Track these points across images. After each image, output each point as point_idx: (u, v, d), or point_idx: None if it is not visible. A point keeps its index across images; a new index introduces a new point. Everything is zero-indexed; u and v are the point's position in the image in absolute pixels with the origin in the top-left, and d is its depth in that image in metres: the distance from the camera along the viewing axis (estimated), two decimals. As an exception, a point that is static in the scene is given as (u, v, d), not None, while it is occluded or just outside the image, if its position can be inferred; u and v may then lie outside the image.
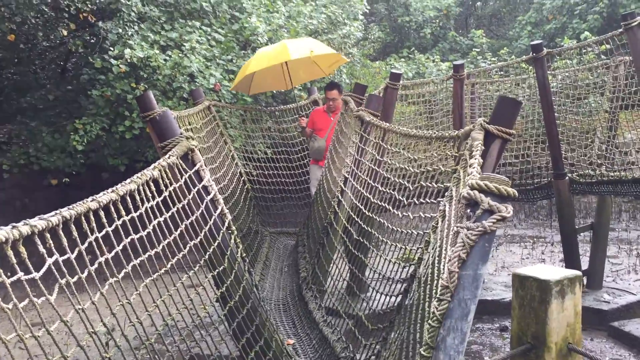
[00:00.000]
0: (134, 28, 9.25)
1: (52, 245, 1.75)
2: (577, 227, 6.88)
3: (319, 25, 11.19)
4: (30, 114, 10.85)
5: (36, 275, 1.65)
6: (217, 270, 2.78)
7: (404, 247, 3.39)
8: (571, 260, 6.71)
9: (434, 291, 2.18)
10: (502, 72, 11.74)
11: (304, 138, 8.01)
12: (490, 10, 24.12)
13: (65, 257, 1.81)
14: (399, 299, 3.05)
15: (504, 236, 10.67)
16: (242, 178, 7.14)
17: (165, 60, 8.72)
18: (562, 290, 2.20)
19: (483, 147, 2.76)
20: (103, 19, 9.72)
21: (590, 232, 7.24)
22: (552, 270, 2.33)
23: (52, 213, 1.81)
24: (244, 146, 8.38)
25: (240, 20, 10.19)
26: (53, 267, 1.74)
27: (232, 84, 8.83)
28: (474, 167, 2.41)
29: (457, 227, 2.00)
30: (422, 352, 1.86)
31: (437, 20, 20.22)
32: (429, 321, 1.88)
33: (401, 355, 2.45)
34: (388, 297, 3.30)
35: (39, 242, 1.70)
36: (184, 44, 9.08)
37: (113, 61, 8.67)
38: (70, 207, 1.90)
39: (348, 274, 4.49)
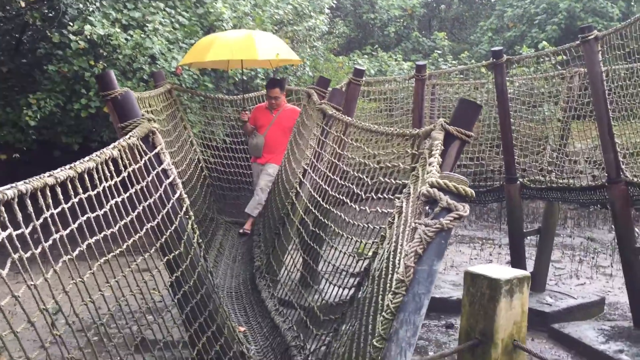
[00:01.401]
0: (95, 4, 9.01)
1: (7, 219, 1.72)
2: (524, 230, 7.09)
3: (284, 15, 11.15)
4: (-19, 86, 10.48)
5: (-11, 248, 1.61)
6: (172, 255, 2.76)
7: (359, 240, 3.43)
8: (517, 262, 6.91)
9: (389, 285, 2.22)
10: (462, 76, 11.96)
11: (244, 132, 7.76)
12: (453, 14, 24.49)
13: (19, 231, 1.77)
14: (351, 291, 3.09)
15: (454, 236, 10.88)
16: (200, 164, 7.08)
17: (126, 39, 8.54)
18: (511, 290, 2.28)
19: (442, 147, 2.82)
20: (64, -8, 9.45)
21: (537, 236, 7.48)
22: (502, 269, 2.41)
23: (8, 186, 1.77)
24: (202, 132, 8.29)
25: (205, 4, 10.06)
26: (6, 241, 1.71)
27: (192, 65, 8.72)
28: (433, 166, 2.46)
29: (415, 223, 2.05)
30: (375, 343, 1.90)
31: (402, 20, 20.42)
32: (383, 313, 1.92)
33: (352, 345, 2.49)
34: (341, 290, 3.34)
35: (-7, 215, 1.67)
36: (147, 24, 8.90)
37: (72, 37, 8.43)
38: (27, 181, 1.86)
39: (302, 265, 4.52)
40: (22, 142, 9.66)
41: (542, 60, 11.47)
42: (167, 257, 2.78)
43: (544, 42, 15.73)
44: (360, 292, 3.01)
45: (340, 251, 3.49)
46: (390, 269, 2.34)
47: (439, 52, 17.83)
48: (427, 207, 2.01)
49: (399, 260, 2.15)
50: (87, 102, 8.73)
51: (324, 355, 3.03)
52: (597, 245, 10.20)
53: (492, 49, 6.82)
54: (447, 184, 1.97)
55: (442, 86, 9.55)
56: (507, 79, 9.18)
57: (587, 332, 5.88)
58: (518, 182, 6.78)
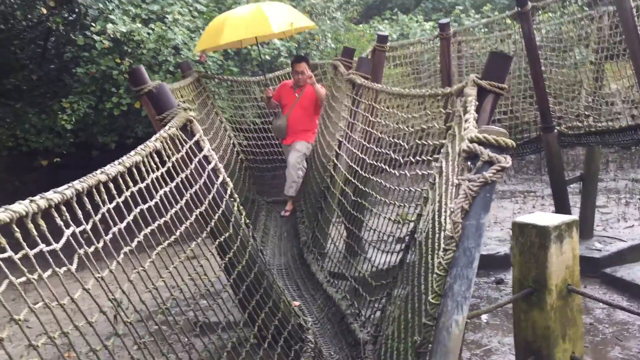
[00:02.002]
0: (114, 2, 9.12)
1: (68, 217, 1.80)
2: (566, 178, 7.00)
3: (301, -11, 11.09)
4: (14, 95, 10.73)
5: (57, 246, 1.70)
6: (222, 237, 2.84)
7: (401, 205, 3.45)
8: (562, 211, 6.81)
9: (437, 244, 2.26)
10: (486, 29, 11.73)
11: (268, 109, 7.71)
12: (471, -33, 23.90)
13: (81, 228, 1.86)
14: (399, 255, 3.13)
15: (495, 192, 10.81)
16: (235, 148, 7.16)
17: (148, 33, 8.64)
18: (560, 235, 2.29)
19: (476, 103, 2.81)
20: (82, -6, 9.58)
21: (579, 183, 7.38)
22: (549, 217, 2.41)
23: (65, 186, 1.85)
24: (233, 117, 8.37)
25: (221, -11, 10.08)
26: (71, 239, 1.80)
27: (207, 50, 8.78)
28: (469, 122, 2.47)
29: (458, 179, 2.07)
30: (431, 300, 1.94)
31: (419, -21, 20.07)
32: (436, 270, 1.96)
33: (407, 307, 2.54)
34: (389, 255, 3.39)
35: (55, 214, 1.75)
36: (166, 16, 8.99)
37: (96, 37, 8.57)
38: (82, 180, 1.94)
39: (347, 236, 4.57)
40: (60, 146, 9.91)
41: (568, 3, 11.20)
42: (217, 240, 2.86)
43: (568, -15, 15.25)
44: (409, 255, 3.05)
45: (384, 217, 3.52)
46: (437, 228, 2.37)
47: (460, 7, 17.47)
48: (468, 163, 2.03)
49: (445, 218, 2.18)
50: (118, 100, 8.89)
51: (380, 320, 3.09)
52: (642, 186, 10.02)
53: (514, -2, 6.67)
54: (487, 137, 1.98)
55: (468, 42, 9.40)
56: (534, 26, 9.03)
57: (640, 273, 5.83)
58: (555, 130, 6.68)
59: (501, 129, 2.01)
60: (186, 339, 2.93)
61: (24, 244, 1.59)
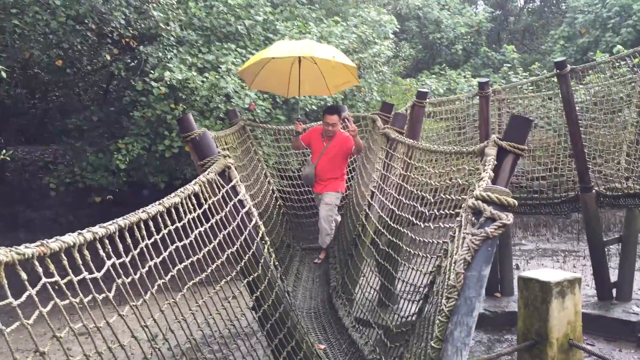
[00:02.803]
0: (172, 52, 9.70)
1: (110, 250, 2.05)
2: (605, 239, 6.96)
3: (349, 45, 11.50)
4: (75, 134, 11.40)
5: (98, 274, 1.94)
6: (251, 277, 3.05)
7: (426, 257, 3.59)
8: (599, 272, 6.80)
9: (446, 292, 2.40)
10: (534, 87, 11.86)
11: (289, 144, 7.79)
12: (522, 25, 24.16)
13: (121, 260, 2.09)
14: (419, 304, 3.27)
15: (535, 250, 10.71)
16: (275, 195, 7.41)
17: (202, 81, 9.12)
18: (562, 291, 2.39)
19: (496, 162, 2.97)
20: (144, 43, 10.22)
21: (619, 244, 7.32)
22: (553, 273, 2.52)
23: (110, 222, 2.10)
24: (276, 164, 8.67)
25: (273, 41, 10.57)
26: (111, 269, 2.04)
27: (259, 100, 9.21)
28: (484, 180, 2.64)
29: (463, 233, 2.23)
30: (433, 345, 2.09)
31: (469, 36, 20.38)
32: (439, 317, 2.11)
33: (420, 353, 2.67)
34: (411, 304, 3.52)
35: (99, 246, 2.00)
36: (220, 65, 9.48)
37: (153, 83, 9.11)
38: (125, 217, 2.19)
39: (375, 284, 4.71)
40: (113, 184, 10.42)
41: (618, 65, 11.26)
42: (247, 279, 3.06)
43: (619, 46, 15.26)
44: (427, 304, 3.18)
45: (411, 268, 3.66)
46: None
47: (509, 65, 17.64)
48: (473, 218, 2.20)
49: (453, 268, 2.33)
50: (170, 143, 9.36)
51: (398, 365, 3.21)
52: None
53: (555, 60, 6.83)
54: (490, 196, 2.15)
55: (512, 100, 9.55)
56: (582, 86, 9.12)
57: (678, 340, 5.71)
58: (593, 190, 6.70)
59: (505, 189, 2.18)
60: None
61: (70, 271, 1.83)
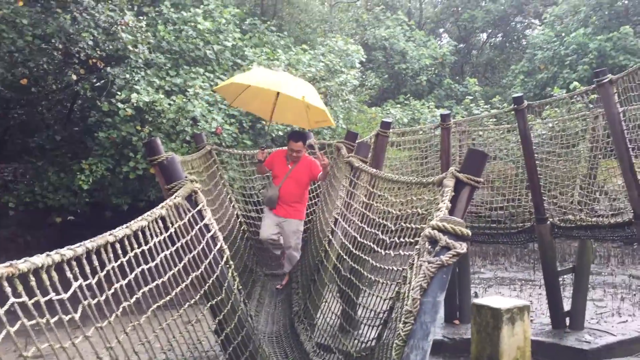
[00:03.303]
0: (140, 74, 9.73)
1: (78, 271, 2.09)
2: (559, 269, 7.19)
3: (317, 73, 11.70)
4: (37, 153, 11.25)
5: (64, 295, 1.98)
6: (215, 300, 3.10)
7: (386, 283, 3.68)
8: (553, 301, 7.01)
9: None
10: (495, 119, 12.24)
11: (254, 169, 7.71)
12: (484, 59, 24.92)
13: (88, 282, 2.14)
14: (379, 329, 3.35)
15: (494, 278, 10.94)
16: (239, 219, 7.45)
17: (169, 104, 9.17)
18: (512, 318, 2.52)
19: (453, 193, 3.10)
20: (111, 64, 10.22)
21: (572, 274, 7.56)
22: (504, 300, 2.65)
23: (77, 245, 2.15)
24: (241, 188, 8.71)
25: (242, 67, 10.71)
26: (78, 290, 2.08)
27: (226, 125, 9.27)
28: (441, 210, 2.76)
29: (420, 261, 2.34)
30: (389, 368, 2.17)
31: (433, 68, 20.90)
32: (396, 340, 2.20)
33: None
34: (371, 328, 3.60)
35: (67, 268, 2.04)
36: (188, 89, 9.55)
37: (120, 105, 9.11)
38: (92, 240, 2.24)
39: (337, 309, 4.78)
40: (75, 205, 10.31)
41: (574, 101, 11.72)
42: (210, 303, 3.11)
43: (576, 83, 15.87)
44: (386, 330, 3.27)
45: (372, 294, 3.75)
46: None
47: (471, 97, 18.13)
48: (430, 247, 2.31)
49: (409, 294, 2.43)
50: (134, 164, 9.34)
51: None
52: (640, 282, 10.12)
53: (513, 96, 7.11)
54: (445, 226, 2.27)
55: (473, 132, 9.84)
56: (539, 121, 9.47)
57: (626, 368, 5.93)
58: (548, 222, 6.94)
59: (460, 220, 2.30)
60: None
61: (37, 291, 1.87)
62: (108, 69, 10.08)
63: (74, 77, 10.26)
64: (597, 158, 7.25)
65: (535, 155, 7.15)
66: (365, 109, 15.19)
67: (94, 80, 10.90)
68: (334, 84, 11.94)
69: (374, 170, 4.50)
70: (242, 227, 7.17)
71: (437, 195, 3.31)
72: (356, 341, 3.90)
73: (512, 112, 10.42)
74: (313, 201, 7.71)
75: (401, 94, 19.37)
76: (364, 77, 18.30)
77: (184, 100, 9.28)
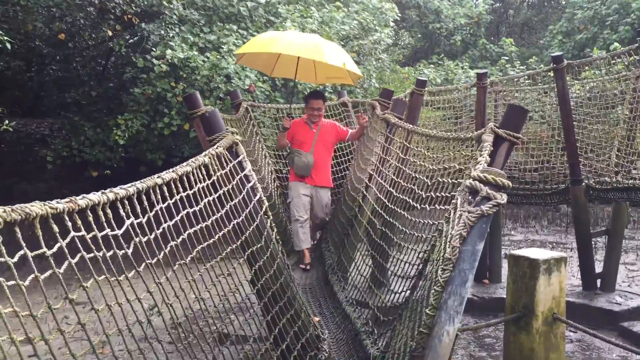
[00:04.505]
0: (175, 30, 9.77)
1: (130, 210, 2.18)
2: (592, 231, 7.15)
3: (350, 31, 11.59)
4: (73, 109, 11.45)
5: (119, 232, 2.07)
6: (255, 247, 3.19)
7: (421, 236, 3.74)
8: (586, 263, 6.99)
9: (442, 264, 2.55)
10: (530, 81, 12.01)
11: (278, 144, 7.03)
12: (522, 19, 24.27)
13: (139, 220, 2.23)
14: (413, 281, 3.42)
15: (524, 241, 10.92)
16: (273, 175, 7.55)
17: (203, 61, 9.21)
18: (549, 269, 2.55)
19: (492, 148, 3.11)
20: (145, 20, 10.28)
21: (605, 236, 7.52)
22: (542, 252, 2.68)
23: (129, 185, 2.24)
24: (275, 144, 8.78)
25: (275, 24, 10.65)
26: (130, 228, 2.17)
27: (259, 82, 9.21)
28: (480, 164, 2.78)
29: (460, 211, 2.38)
30: (428, 312, 2.24)
31: (468, 28, 20.48)
32: (435, 287, 2.26)
33: (414, 323, 2.82)
34: (405, 280, 3.67)
35: (120, 206, 2.13)
36: (222, 46, 9.56)
37: (155, 61, 9.19)
38: (142, 181, 2.33)
39: (371, 262, 4.86)
40: (111, 159, 10.52)
41: (614, 62, 11.43)
42: (250, 249, 3.20)
43: (616, 44, 15.41)
44: (421, 281, 3.33)
45: (406, 247, 3.81)
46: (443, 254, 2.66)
47: (507, 58, 17.78)
48: (470, 197, 2.34)
49: (449, 243, 2.48)
50: (169, 120, 9.46)
51: (390, 338, 3.37)
52: (674, 248, 10.01)
53: (552, 54, 6.97)
54: (486, 177, 2.29)
55: (508, 92, 9.69)
56: (578, 82, 9.28)
57: (657, 329, 5.93)
58: (583, 183, 6.88)
59: (500, 170, 2.32)
60: (211, 344, 3.24)
61: (95, 227, 1.96)
62: (143, 25, 10.14)
63: (109, 32, 10.36)
64: (636, 120, 7.10)
65: (573, 116, 7.04)
66: (398, 68, 15.03)
67: (128, 37, 11.00)
68: (368, 43, 11.83)
69: (411, 126, 4.51)
70: (276, 183, 7.25)
71: (476, 151, 3.32)
72: (390, 292, 3.98)
73: (550, 73, 10.28)
74: (344, 165, 7.67)
75: (435, 54, 19.09)
76: (397, 36, 18.03)
77: (218, 57, 9.30)
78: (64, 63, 12.61)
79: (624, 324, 6.17)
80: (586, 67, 11.93)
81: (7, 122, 7.12)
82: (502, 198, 2.25)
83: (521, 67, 16.31)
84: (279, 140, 6.78)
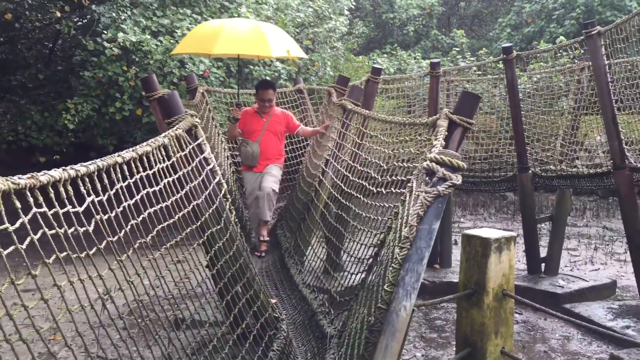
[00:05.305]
0: (126, 13, 9.58)
1: (90, 188, 2.18)
2: (537, 217, 7.44)
3: (305, 18, 11.60)
4: (19, 92, 11.09)
5: (79, 209, 2.06)
6: (214, 228, 3.20)
7: (377, 219, 3.82)
8: (531, 247, 7.27)
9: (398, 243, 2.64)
10: (480, 72, 12.30)
11: (228, 135, 6.94)
12: (472, 11, 24.73)
13: (99, 198, 2.22)
14: (370, 261, 3.51)
15: (473, 227, 11.22)
16: (229, 161, 7.53)
17: (156, 45, 9.07)
18: (500, 247, 2.68)
19: (446, 133, 3.21)
20: (96, 2, 10.03)
21: (549, 223, 7.82)
22: (493, 231, 2.80)
23: (90, 162, 2.23)
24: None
25: (229, 10, 10.56)
26: (91, 206, 2.17)
27: (213, 68, 9.15)
28: (436, 147, 2.87)
29: (417, 191, 2.46)
30: (386, 288, 2.31)
31: (421, 19, 20.75)
32: (392, 264, 2.34)
33: (370, 301, 2.90)
34: (362, 262, 3.75)
35: (80, 183, 2.13)
36: (175, 30, 9.43)
37: (106, 44, 8.99)
38: (102, 159, 2.32)
39: (327, 245, 4.94)
40: (60, 145, 10.26)
41: (560, 54, 11.83)
42: (209, 231, 3.21)
43: (562, 37, 15.92)
44: (377, 262, 3.42)
45: (362, 229, 3.89)
46: (399, 235, 2.75)
47: (458, 49, 18.12)
48: (427, 178, 2.43)
49: (406, 222, 2.56)
50: (121, 105, 9.29)
51: (346, 317, 3.45)
52: (613, 234, 10.47)
53: (502, 45, 7.18)
54: (443, 158, 2.38)
55: (459, 82, 9.92)
56: (525, 73, 9.57)
57: (597, 310, 6.23)
58: (530, 171, 7.13)
59: (456, 153, 2.42)
60: (167, 329, 3.24)
61: (56, 204, 1.95)
62: (93, 6, 9.89)
63: (58, 14, 10.06)
64: (580, 110, 7.40)
65: (521, 106, 7.28)
66: (352, 57, 15.13)
67: (77, 19, 10.70)
68: (323, 30, 11.87)
69: (367, 111, 4.59)
70: (232, 168, 7.24)
71: (431, 136, 3.42)
72: (345, 277, 4.06)
73: (499, 64, 10.56)
74: (299, 152, 7.71)
75: (388, 43, 19.28)
76: (351, 25, 18.13)
77: (172, 41, 9.18)
78: (9, 45, 12.18)
79: (566, 306, 6.44)
80: (533, 59, 12.33)
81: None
82: (458, 179, 2.34)
83: (471, 59, 16.66)
84: (230, 132, 6.68)
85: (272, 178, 6.34)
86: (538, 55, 10.92)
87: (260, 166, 6.43)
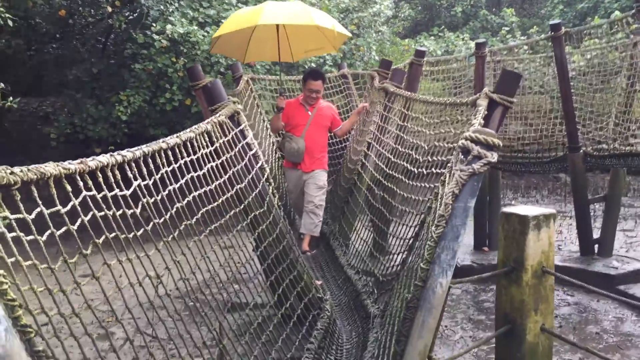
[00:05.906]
0: (174, 5, 9.79)
1: (137, 173, 2.29)
2: (590, 198, 7.27)
3: (349, 3, 11.57)
4: (75, 86, 11.50)
5: (127, 192, 2.18)
6: (258, 212, 3.30)
7: (418, 200, 3.84)
8: (584, 229, 7.11)
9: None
10: (531, 51, 12.00)
11: (272, 124, 6.37)
12: (523, -11, 24.07)
13: (146, 182, 2.34)
14: (410, 241, 3.54)
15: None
16: (274, 147, 7.63)
17: (203, 36, 9.25)
18: (538, 224, 2.66)
19: (486, 112, 3.20)
20: (145, -4, 10.27)
21: (603, 203, 7.63)
22: (532, 209, 2.79)
23: (135, 148, 2.34)
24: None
25: (274, -2, 10.62)
26: (137, 190, 2.28)
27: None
28: (474, 126, 2.87)
29: (453, 170, 2.48)
30: (422, 266, 2.35)
31: (469, -1, 20.37)
32: (428, 242, 2.37)
33: (409, 280, 2.94)
34: (404, 243, 3.79)
35: (127, 168, 2.24)
36: (222, 20, 9.57)
37: (155, 36, 9.23)
38: (148, 145, 2.43)
39: (371, 228, 4.98)
40: (114, 136, 10.61)
41: (615, 30, 11.42)
42: (253, 214, 3.31)
43: (617, 12, 15.32)
44: (417, 243, 3.45)
45: (405, 210, 3.92)
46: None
47: (507, 28, 17.72)
48: (462, 157, 2.45)
49: (442, 201, 2.58)
50: (171, 96, 9.54)
51: (389, 297, 3.50)
52: (673, 215, 10.13)
53: (550, 22, 7.01)
54: (478, 137, 2.39)
55: (508, 62, 9.72)
56: (577, 50, 9.30)
57: (652, 291, 6.07)
58: (581, 150, 6.96)
59: (492, 131, 2.42)
60: (217, 311, 3.35)
61: (105, 187, 2.07)
62: (142, 0, 10.14)
63: (109, 9, 10.36)
64: (634, 86, 7.15)
65: (572, 84, 7.10)
66: (398, 41, 15.00)
67: (127, 13, 10.99)
68: (367, 15, 11.82)
69: (409, 93, 4.59)
70: (277, 155, 7.35)
71: (471, 116, 3.41)
72: (389, 258, 4.11)
73: (549, 42, 10.29)
74: (340, 145, 7.44)
75: (435, 26, 19.01)
76: (397, 8, 17.96)
77: (218, 31, 9.32)
78: (64, 41, 12.61)
79: (620, 287, 6.30)
80: (586, 36, 11.95)
81: (10, 99, 7.19)
82: (493, 157, 2.35)
83: (522, 38, 16.28)
84: (272, 123, 6.29)
85: (318, 191, 5.85)
86: (592, 31, 10.57)
87: (304, 165, 5.99)
